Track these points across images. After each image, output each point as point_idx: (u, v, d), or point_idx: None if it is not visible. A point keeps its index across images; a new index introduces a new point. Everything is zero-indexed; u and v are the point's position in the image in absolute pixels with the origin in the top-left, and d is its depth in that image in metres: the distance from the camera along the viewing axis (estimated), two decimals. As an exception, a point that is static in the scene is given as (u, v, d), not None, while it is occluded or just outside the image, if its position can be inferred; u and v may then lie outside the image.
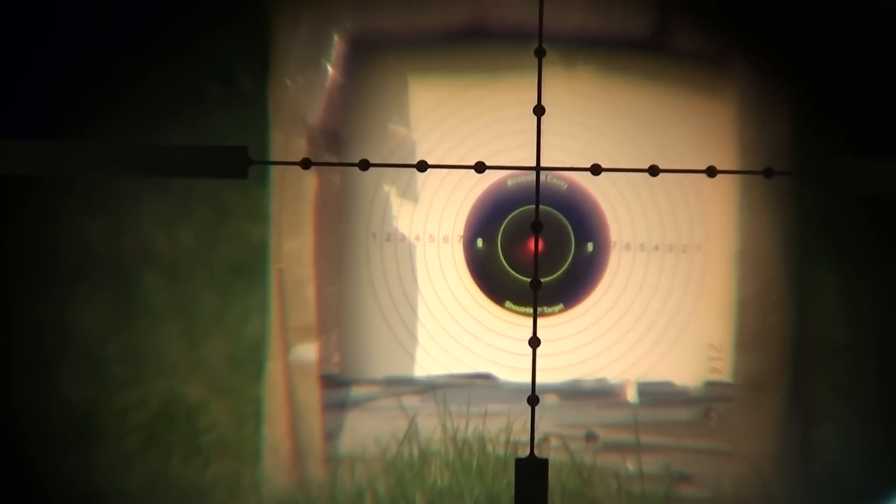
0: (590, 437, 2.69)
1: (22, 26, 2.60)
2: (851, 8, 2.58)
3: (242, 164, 2.45)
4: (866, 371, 2.63)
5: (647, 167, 2.53)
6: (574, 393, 2.71)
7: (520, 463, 2.45)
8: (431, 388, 2.72)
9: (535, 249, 2.60)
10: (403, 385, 2.73)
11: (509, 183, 2.73)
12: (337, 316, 2.72)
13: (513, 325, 2.72)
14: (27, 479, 2.60)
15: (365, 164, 2.54)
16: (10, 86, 2.59)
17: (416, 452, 2.67)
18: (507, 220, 2.73)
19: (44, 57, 2.60)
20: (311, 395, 2.68)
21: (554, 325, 2.71)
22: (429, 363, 2.74)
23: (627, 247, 2.73)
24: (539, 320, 2.53)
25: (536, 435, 2.52)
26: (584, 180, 2.70)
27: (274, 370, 2.68)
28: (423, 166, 2.56)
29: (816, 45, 2.60)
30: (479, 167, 2.52)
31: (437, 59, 2.70)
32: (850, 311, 2.64)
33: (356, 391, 2.72)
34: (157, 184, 2.65)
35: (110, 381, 2.65)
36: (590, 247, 2.73)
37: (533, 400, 2.49)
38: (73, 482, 2.62)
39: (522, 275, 2.72)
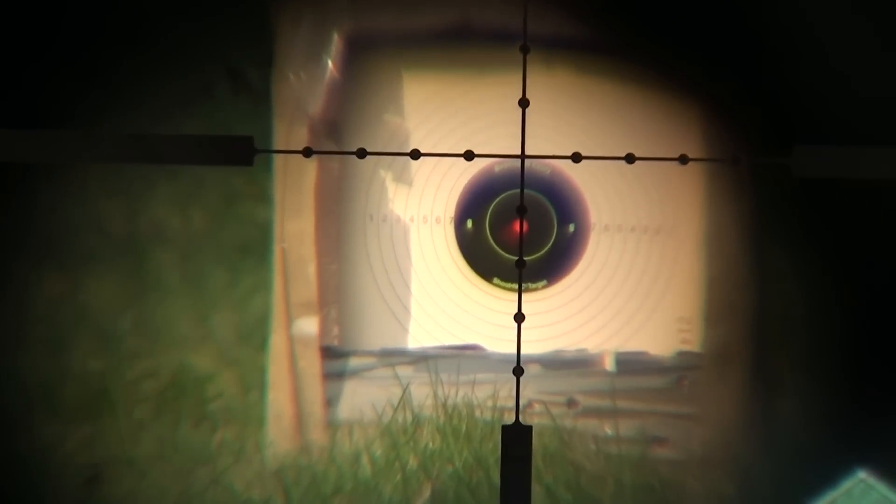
0: (570, 402, 2.73)
1: (39, 23, 2.60)
2: (812, 2, 2.59)
3: (248, 152, 2.47)
4: (823, 344, 2.66)
5: (623, 155, 2.55)
6: (556, 362, 2.74)
7: (506, 429, 2.48)
8: (424, 358, 2.75)
9: (521, 230, 2.65)
10: (398, 356, 2.75)
11: (496, 169, 2.76)
12: (336, 292, 2.75)
13: (499, 300, 2.75)
14: (44, 446, 2.63)
15: (362, 153, 2.57)
16: (28, 79, 2.60)
17: (409, 418, 2.71)
18: (494, 204, 2.76)
19: (60, 53, 2.61)
20: (312, 366, 2.72)
21: (538, 300, 2.74)
22: (421, 336, 2.77)
23: (606, 228, 2.76)
24: (524, 296, 2.54)
25: (521, 402, 2.52)
26: (566, 167, 2.73)
27: (277, 342, 2.71)
28: (416, 154, 2.58)
29: (778, 40, 2.61)
30: (469, 155, 2.54)
31: (430, 55, 2.72)
32: (809, 289, 2.66)
33: (354, 362, 2.75)
34: (169, 171, 2.66)
35: (123, 353, 2.68)
36: (571, 228, 2.77)
37: (518, 371, 2.51)
38: (88, 448, 2.65)
39: (508, 254, 2.75)
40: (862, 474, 2.57)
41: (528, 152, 2.55)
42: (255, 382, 2.71)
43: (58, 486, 2.63)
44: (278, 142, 2.68)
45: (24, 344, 2.66)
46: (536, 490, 2.60)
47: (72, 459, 2.65)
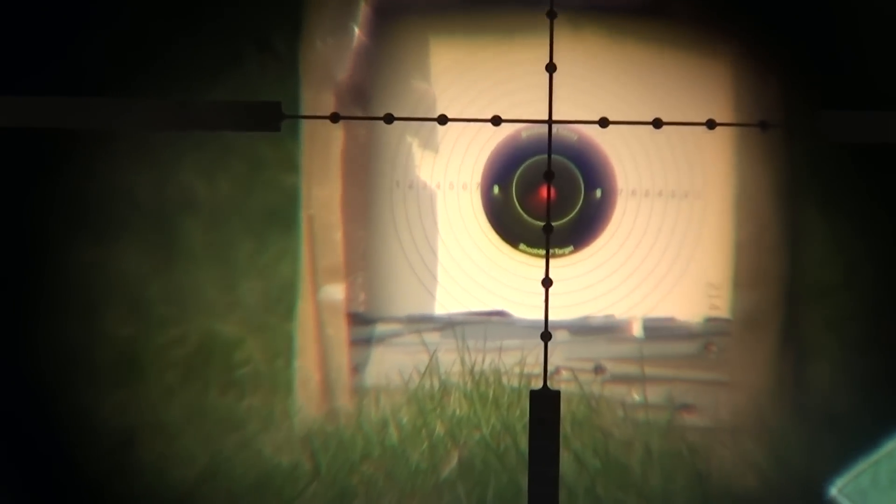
0: (598, 369, 2.73)
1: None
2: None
3: (276, 118, 2.52)
4: (853, 309, 2.66)
5: (651, 120, 2.59)
6: (584, 328, 2.74)
7: (534, 394, 2.51)
8: (451, 325, 2.76)
9: (548, 196, 2.66)
10: (425, 322, 2.76)
11: (523, 135, 2.75)
12: (363, 258, 2.77)
13: (526, 266, 2.75)
14: (75, 412, 2.65)
15: (389, 118, 2.60)
16: (59, 49, 2.62)
17: (436, 384, 2.72)
18: (521, 169, 2.76)
19: (91, 22, 2.63)
20: (339, 332, 2.74)
21: (565, 266, 2.75)
22: (448, 302, 2.78)
23: (633, 193, 2.77)
24: (551, 261, 2.60)
25: (549, 368, 2.57)
26: (593, 132, 2.73)
27: (305, 309, 2.72)
28: (443, 120, 2.62)
29: (806, 3, 2.63)
30: (496, 120, 2.57)
31: (457, 20, 2.72)
32: (839, 254, 2.66)
33: (381, 328, 2.76)
34: (197, 137, 2.66)
35: (153, 319, 2.69)
36: (598, 193, 2.77)
37: (546, 336, 2.56)
38: (119, 414, 2.66)
39: (535, 219, 2.75)
40: (905, 435, 2.58)
41: (555, 117, 2.58)
42: (282, 349, 2.72)
43: (90, 451, 2.65)
44: (305, 108, 2.68)
45: (56, 311, 2.67)
46: (564, 456, 2.61)
47: (100, 426, 2.66)
